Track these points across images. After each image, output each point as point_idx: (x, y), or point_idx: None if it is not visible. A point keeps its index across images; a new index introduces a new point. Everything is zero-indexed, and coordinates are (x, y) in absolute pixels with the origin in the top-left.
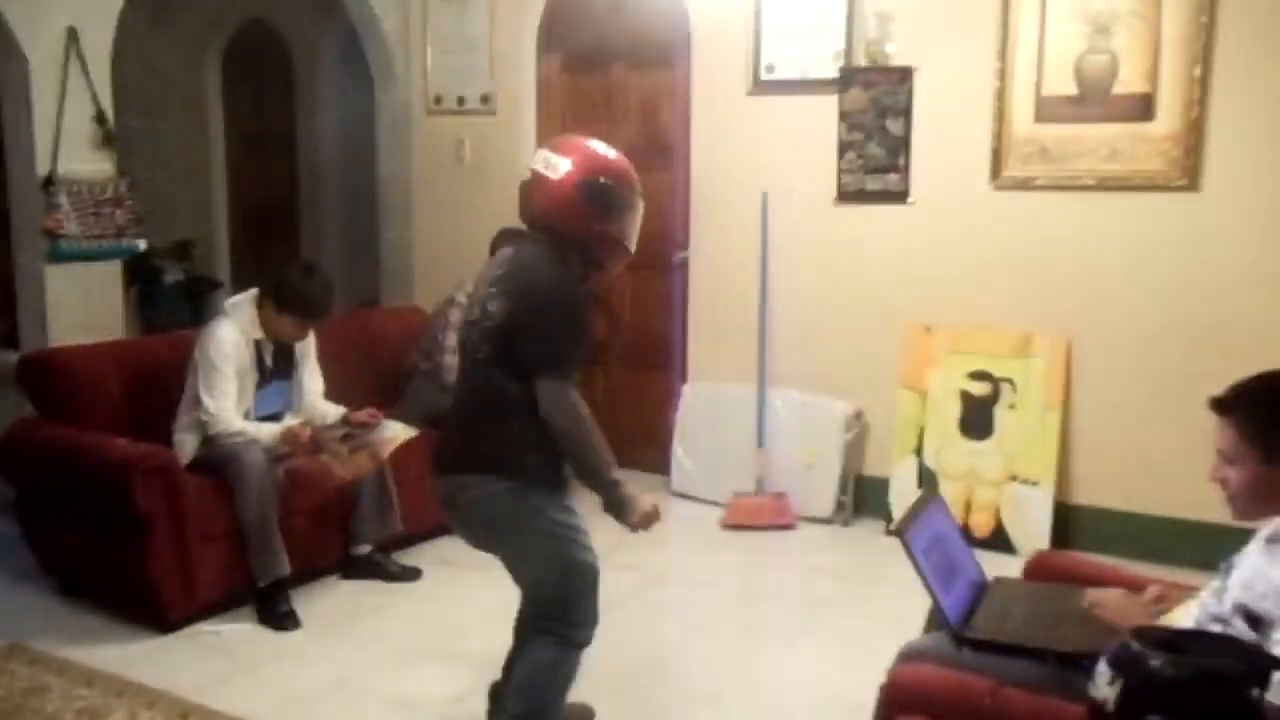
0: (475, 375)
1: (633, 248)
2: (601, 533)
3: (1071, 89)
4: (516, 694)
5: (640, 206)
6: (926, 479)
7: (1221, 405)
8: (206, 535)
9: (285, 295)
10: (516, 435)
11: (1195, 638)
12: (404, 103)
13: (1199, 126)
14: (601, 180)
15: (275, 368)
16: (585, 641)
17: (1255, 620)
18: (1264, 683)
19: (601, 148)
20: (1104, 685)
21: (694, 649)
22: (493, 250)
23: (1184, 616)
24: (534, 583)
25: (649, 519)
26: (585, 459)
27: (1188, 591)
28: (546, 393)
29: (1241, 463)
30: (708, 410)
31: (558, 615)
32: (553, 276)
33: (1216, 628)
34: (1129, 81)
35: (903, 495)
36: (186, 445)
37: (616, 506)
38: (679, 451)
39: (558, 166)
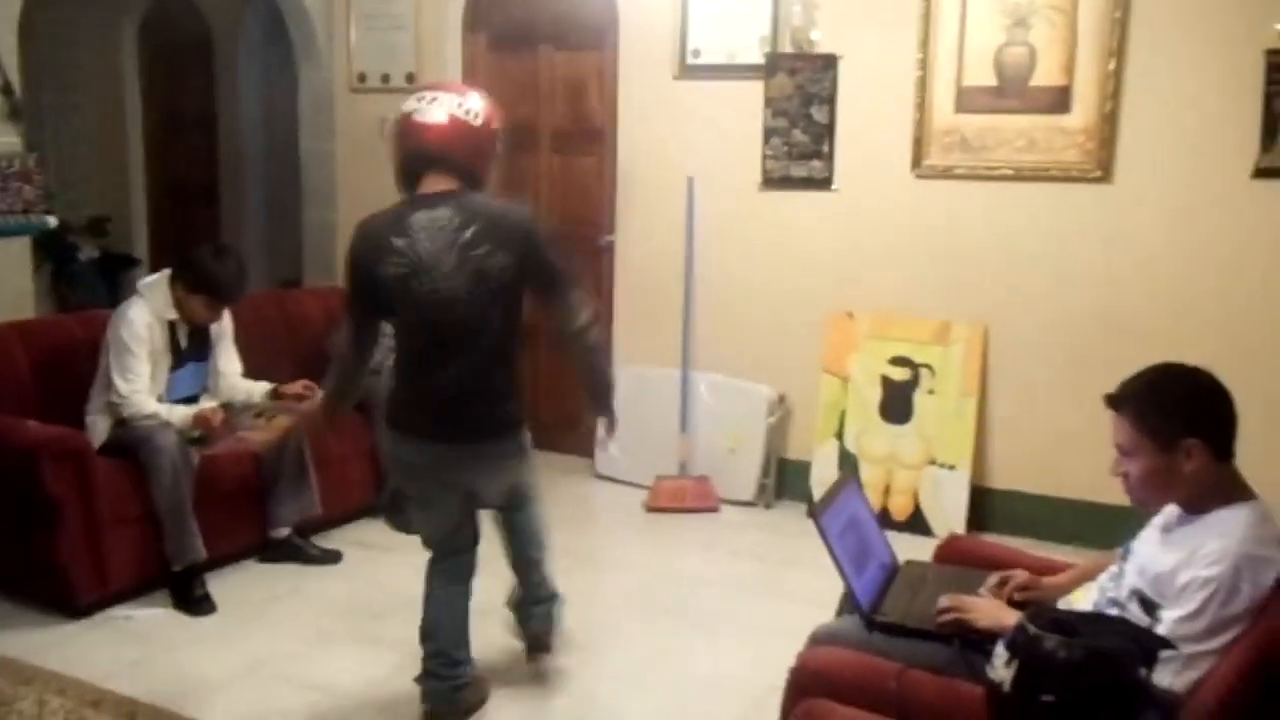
0: (485, 342)
1: None
2: None
3: (991, 80)
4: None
5: None
6: (847, 462)
7: (1115, 401)
8: (119, 519)
9: (196, 276)
10: (518, 387)
11: (1088, 620)
12: (327, 80)
13: (1113, 120)
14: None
15: (190, 349)
16: None
17: (1149, 605)
18: (1150, 662)
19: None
20: (1001, 667)
21: (617, 632)
22: (389, 225)
23: (1083, 600)
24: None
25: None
26: (608, 365)
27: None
28: (583, 302)
29: (1139, 454)
30: (632, 394)
31: None
32: (519, 208)
33: (1114, 611)
34: (1046, 74)
35: (824, 478)
36: (99, 427)
37: (610, 411)
38: (603, 435)
39: (476, 113)
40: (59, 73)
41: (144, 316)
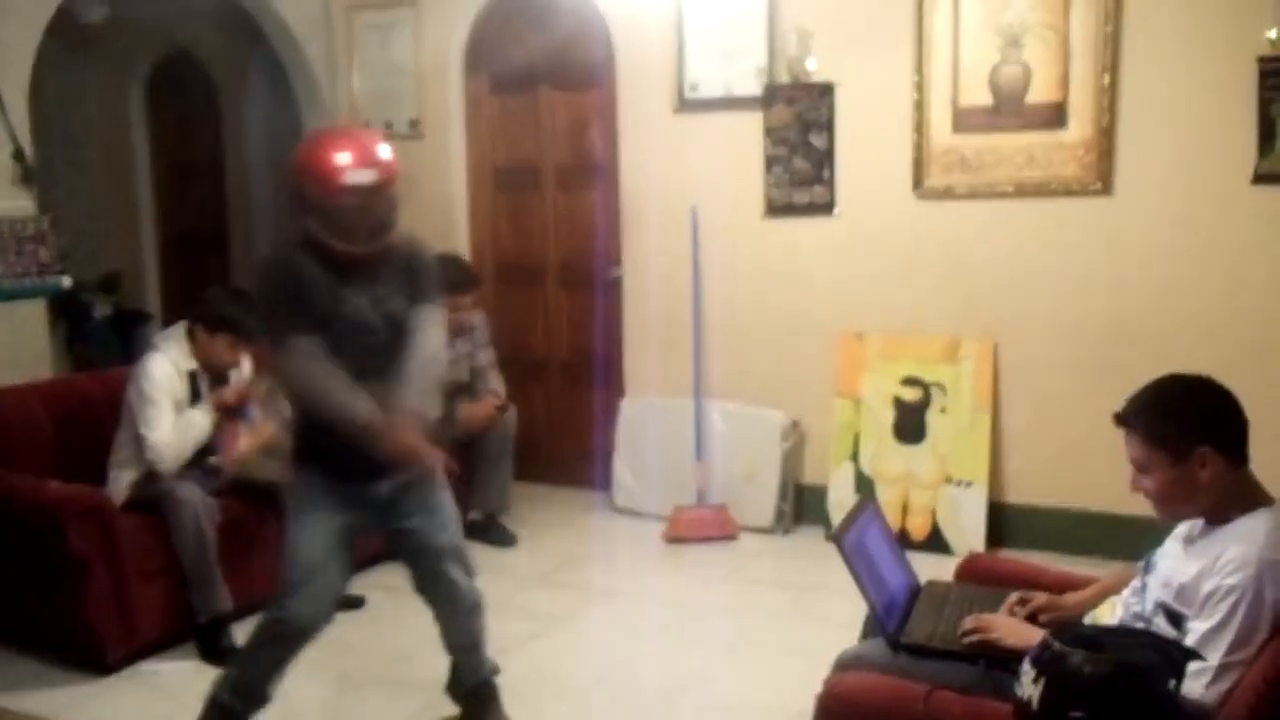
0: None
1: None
2: (548, 551)
3: (987, 99)
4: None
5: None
6: (863, 485)
7: (1123, 419)
8: (144, 574)
9: (216, 318)
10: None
11: (1113, 634)
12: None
13: (1110, 133)
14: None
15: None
16: None
17: (1175, 617)
18: (1179, 674)
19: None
20: (1028, 684)
21: (640, 662)
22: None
23: (1108, 615)
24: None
25: None
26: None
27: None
28: None
29: (1154, 468)
30: (646, 425)
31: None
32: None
33: (1140, 625)
34: (1042, 91)
35: (841, 502)
36: (121, 482)
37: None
38: (619, 467)
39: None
40: (69, 131)
41: (164, 368)
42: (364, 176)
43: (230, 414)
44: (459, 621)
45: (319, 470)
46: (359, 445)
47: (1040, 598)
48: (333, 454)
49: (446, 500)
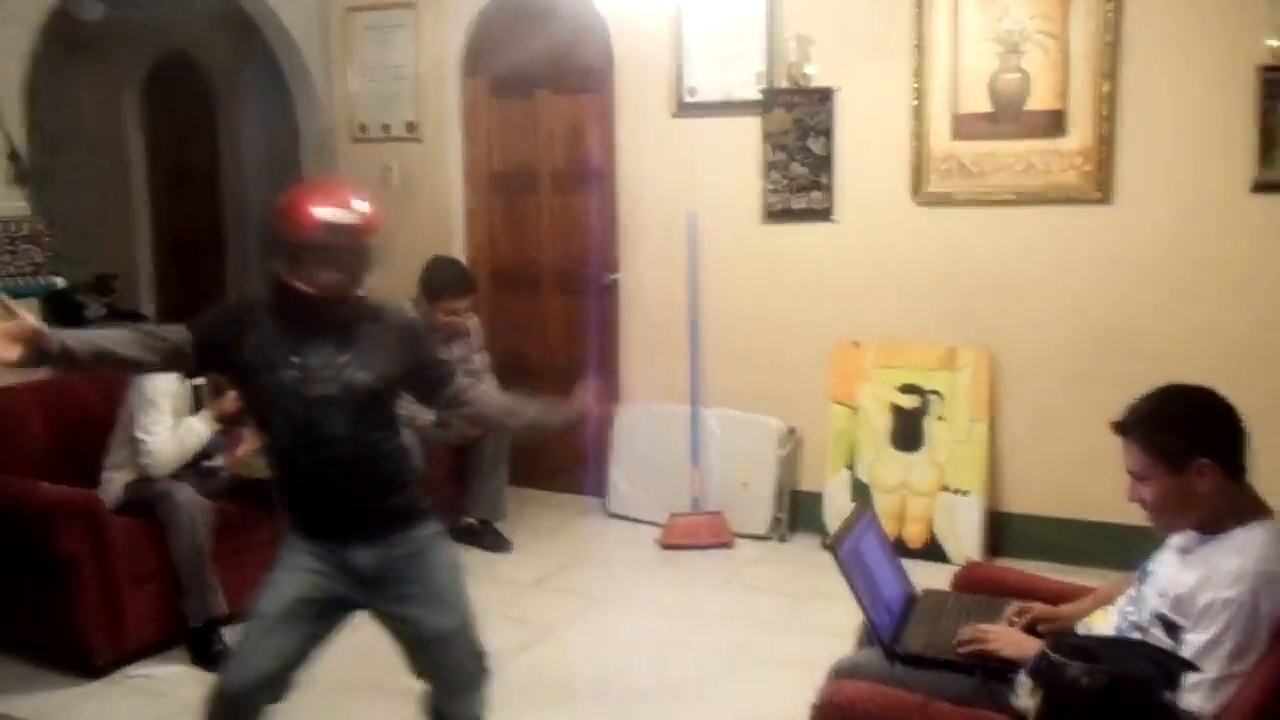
0: None
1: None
2: (544, 557)
3: (986, 106)
4: None
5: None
6: (860, 492)
7: (1122, 427)
8: (135, 577)
9: None
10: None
11: (1109, 645)
12: (328, 131)
13: (1109, 141)
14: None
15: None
16: None
17: (1172, 627)
18: (1175, 685)
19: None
20: (1025, 696)
21: (635, 670)
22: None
23: (1103, 624)
24: None
25: None
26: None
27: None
28: None
29: (1152, 479)
30: (642, 431)
31: None
32: None
33: (1136, 635)
34: (1041, 99)
35: (837, 509)
36: (116, 483)
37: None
38: (615, 473)
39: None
40: (64, 133)
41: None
42: (338, 216)
43: (231, 422)
44: (458, 703)
45: (297, 531)
46: (328, 511)
47: (1038, 608)
48: (303, 516)
49: (446, 573)
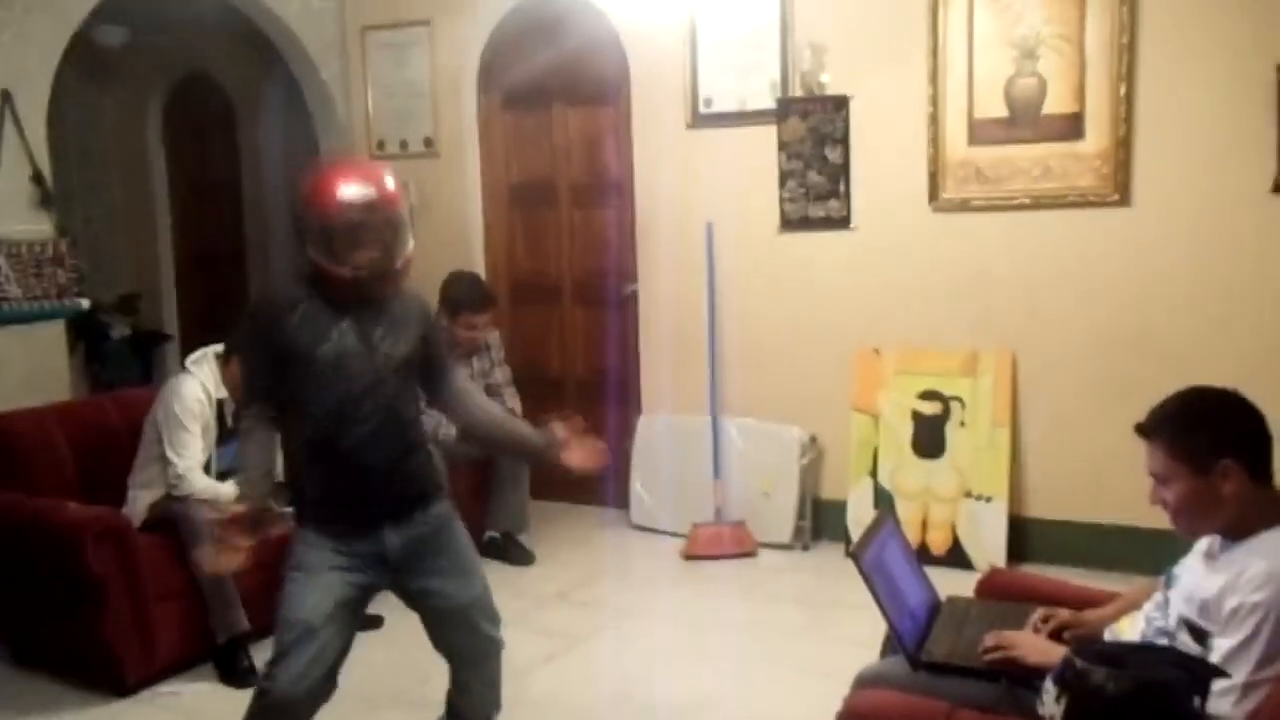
0: None
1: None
2: (566, 570)
3: (1002, 111)
4: None
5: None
6: (883, 499)
7: (1145, 430)
8: (162, 595)
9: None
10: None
11: (1136, 650)
12: (347, 148)
13: (1127, 143)
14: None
15: (235, 426)
16: None
17: (1199, 633)
18: (1204, 692)
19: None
20: (1050, 703)
21: (659, 681)
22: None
23: (1130, 630)
24: None
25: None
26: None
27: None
28: None
29: (1175, 480)
30: (663, 442)
31: None
32: None
33: (1163, 641)
34: (1058, 102)
35: (860, 517)
36: (141, 502)
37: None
38: (637, 484)
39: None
40: (87, 153)
41: (196, 392)
42: (357, 192)
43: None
44: (482, 672)
45: (321, 529)
46: (362, 493)
47: (1064, 614)
48: (335, 507)
49: (466, 545)
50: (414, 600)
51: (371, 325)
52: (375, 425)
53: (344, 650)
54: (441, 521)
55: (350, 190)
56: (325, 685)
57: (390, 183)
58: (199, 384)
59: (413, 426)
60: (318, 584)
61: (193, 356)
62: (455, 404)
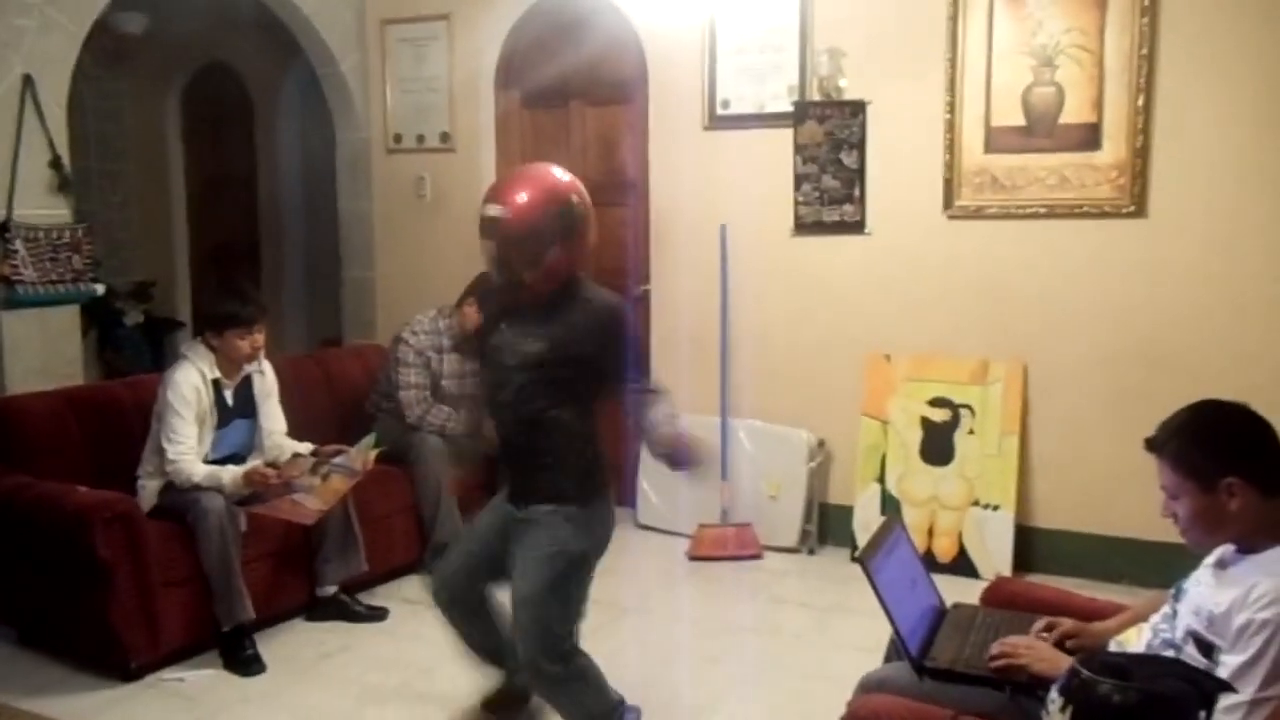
0: None
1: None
2: None
3: (1020, 120)
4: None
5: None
6: (890, 506)
7: (1154, 444)
8: (169, 581)
9: (216, 316)
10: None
11: (1142, 662)
12: (364, 141)
13: (1144, 154)
14: None
15: (236, 407)
16: None
17: (1206, 646)
18: (1210, 705)
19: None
20: (1055, 713)
21: (663, 682)
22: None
23: (1136, 641)
24: None
25: None
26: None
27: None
28: None
29: (1183, 496)
30: None
31: None
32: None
33: (1169, 653)
34: (1075, 112)
35: (867, 523)
36: (149, 490)
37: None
38: (644, 484)
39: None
40: (105, 141)
41: (191, 378)
42: (484, 209)
43: (276, 490)
44: (526, 673)
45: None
46: (506, 454)
47: (1067, 623)
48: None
49: (542, 550)
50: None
51: (527, 325)
52: (511, 412)
53: (492, 568)
54: (543, 520)
55: (484, 206)
56: (469, 586)
57: (524, 198)
58: (195, 370)
59: (548, 423)
60: (484, 514)
61: (187, 343)
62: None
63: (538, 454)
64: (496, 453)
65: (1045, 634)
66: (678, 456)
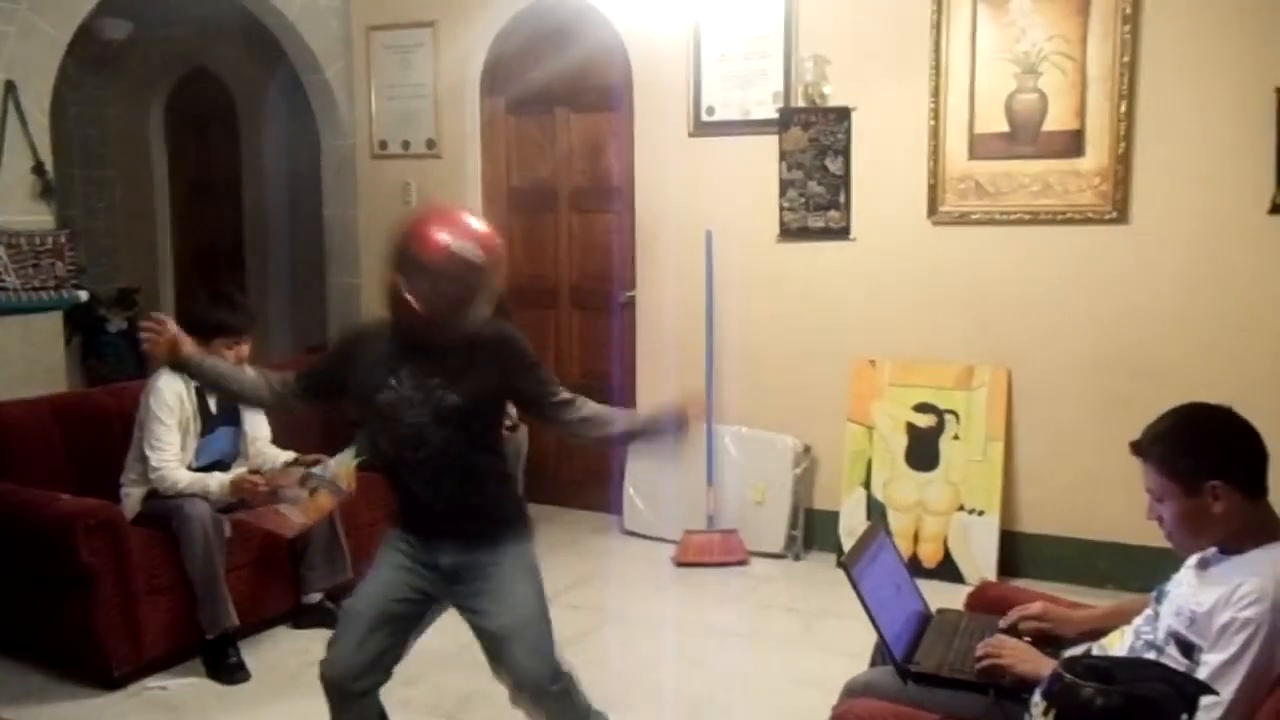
0: None
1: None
2: (558, 573)
3: (1003, 126)
4: None
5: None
6: (875, 511)
7: (1139, 448)
8: (152, 589)
9: (205, 325)
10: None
11: (1125, 665)
12: (349, 147)
13: (1126, 161)
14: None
15: (220, 414)
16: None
17: (1187, 647)
18: (1192, 708)
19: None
20: (1039, 716)
21: (649, 687)
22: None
23: (1119, 644)
24: None
25: None
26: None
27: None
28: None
29: (1169, 499)
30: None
31: None
32: None
33: (1151, 655)
34: (1058, 119)
35: (852, 528)
36: (133, 498)
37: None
38: (630, 490)
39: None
40: (88, 148)
41: (174, 386)
42: (464, 249)
43: (262, 499)
44: (526, 705)
45: (397, 529)
46: (425, 516)
47: (1034, 606)
48: (404, 515)
49: (516, 577)
50: (464, 616)
51: (431, 372)
52: (433, 468)
53: (395, 642)
54: (500, 557)
55: (459, 245)
56: (371, 671)
57: (495, 256)
58: (177, 377)
59: (478, 469)
60: (378, 579)
61: None
62: (567, 428)
63: (468, 498)
64: (401, 504)
65: (1025, 621)
66: (675, 421)
